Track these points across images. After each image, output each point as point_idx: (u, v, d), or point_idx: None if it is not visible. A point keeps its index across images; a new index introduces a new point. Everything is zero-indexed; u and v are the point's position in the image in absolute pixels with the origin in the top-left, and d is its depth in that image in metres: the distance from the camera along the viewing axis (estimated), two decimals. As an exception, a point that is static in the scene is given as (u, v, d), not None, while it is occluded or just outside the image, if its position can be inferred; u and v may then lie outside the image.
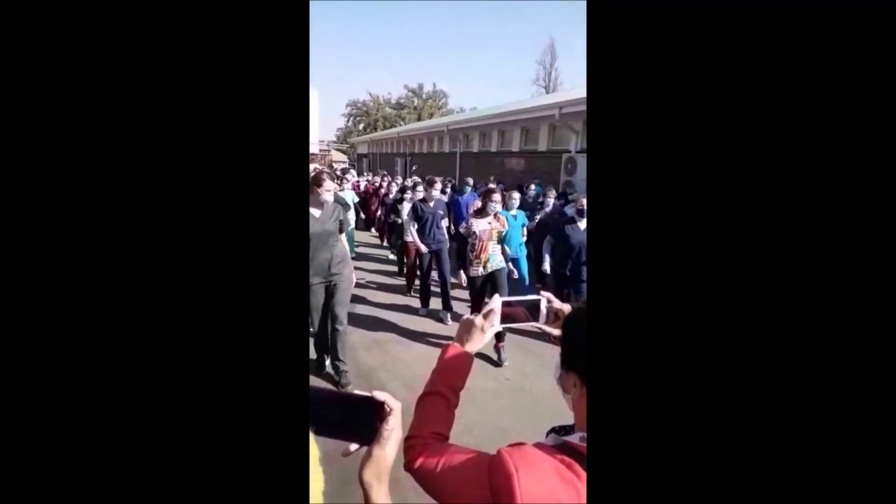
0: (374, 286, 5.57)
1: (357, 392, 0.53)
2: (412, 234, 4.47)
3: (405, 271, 5.41)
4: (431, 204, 4.52)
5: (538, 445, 0.61)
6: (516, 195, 4.79)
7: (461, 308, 4.76)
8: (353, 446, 0.52)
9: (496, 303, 0.85)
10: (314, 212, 2.78)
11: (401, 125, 30.05)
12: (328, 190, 2.80)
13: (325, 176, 2.81)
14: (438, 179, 5.01)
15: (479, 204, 4.29)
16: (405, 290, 5.34)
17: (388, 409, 0.52)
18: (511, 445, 0.62)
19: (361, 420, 0.51)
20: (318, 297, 2.93)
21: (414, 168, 15.24)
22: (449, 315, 4.44)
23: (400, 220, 5.78)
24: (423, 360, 3.57)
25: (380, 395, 0.52)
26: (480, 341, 0.82)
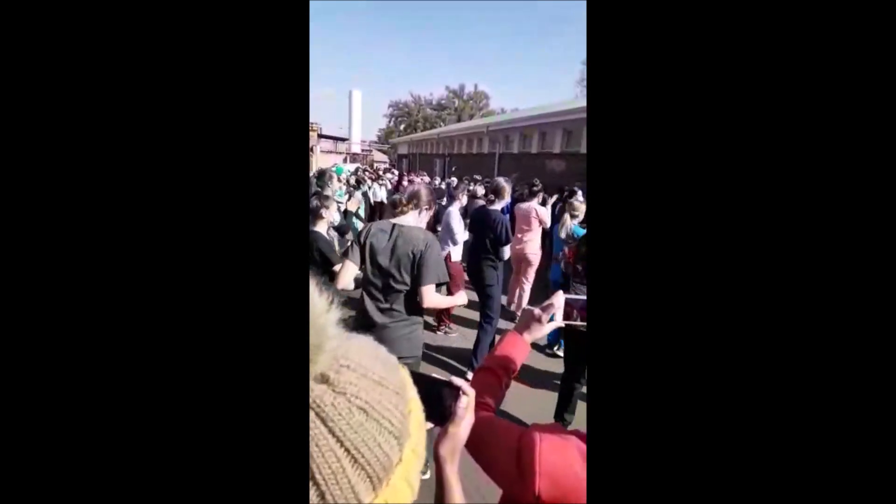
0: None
1: (436, 376, 0.57)
2: (507, 254, 3.59)
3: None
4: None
5: (575, 432, 0.66)
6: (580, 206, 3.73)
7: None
8: (428, 425, 0.56)
9: (559, 299, 0.89)
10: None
11: (441, 126, 30.18)
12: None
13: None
14: (507, 184, 3.93)
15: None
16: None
17: (464, 394, 0.56)
18: (546, 424, 0.68)
19: (440, 402, 0.55)
20: None
21: (453, 169, 15.29)
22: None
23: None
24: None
25: (457, 380, 0.57)
26: (539, 332, 0.88)
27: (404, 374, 0.42)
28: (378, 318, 1.95)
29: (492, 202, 3.59)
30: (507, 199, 3.80)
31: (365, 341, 0.40)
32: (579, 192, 4.89)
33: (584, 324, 0.89)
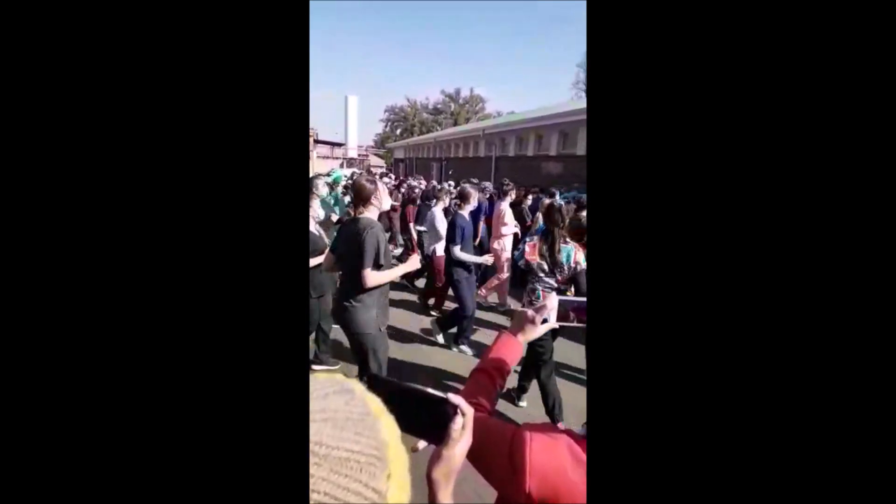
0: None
1: (432, 392, 0.53)
2: (455, 254, 3.69)
3: (429, 290, 4.68)
4: (466, 215, 3.91)
5: (568, 432, 0.67)
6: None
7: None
8: (422, 444, 0.54)
9: (552, 300, 0.89)
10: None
11: (437, 130, 30.26)
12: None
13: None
14: (474, 190, 4.08)
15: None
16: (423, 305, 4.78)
17: (461, 413, 0.52)
18: (537, 423, 0.69)
19: (434, 420, 0.51)
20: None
21: (450, 172, 15.33)
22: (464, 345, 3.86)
23: (424, 229, 4.95)
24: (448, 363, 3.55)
25: (454, 398, 0.52)
26: (532, 333, 0.88)
27: (385, 427, 0.38)
28: (343, 300, 2.19)
29: (460, 207, 3.83)
30: (474, 204, 4.06)
31: (334, 397, 0.36)
32: (558, 195, 5.18)
33: (578, 324, 0.90)
